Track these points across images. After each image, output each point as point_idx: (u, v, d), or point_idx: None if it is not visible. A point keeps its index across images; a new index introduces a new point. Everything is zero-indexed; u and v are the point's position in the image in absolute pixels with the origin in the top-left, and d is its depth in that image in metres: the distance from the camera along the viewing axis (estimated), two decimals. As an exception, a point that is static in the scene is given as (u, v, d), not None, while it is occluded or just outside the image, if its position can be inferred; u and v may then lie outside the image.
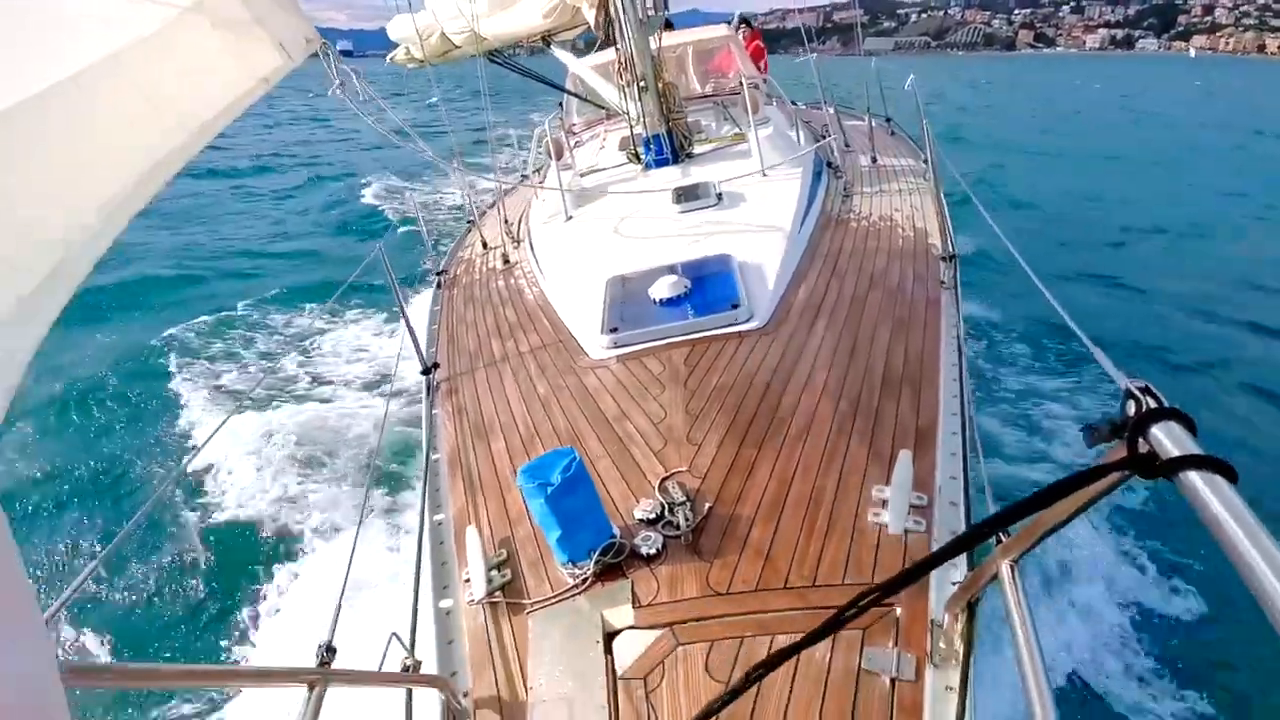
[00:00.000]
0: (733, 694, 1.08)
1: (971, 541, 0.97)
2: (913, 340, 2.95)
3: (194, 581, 4.11)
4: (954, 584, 1.71)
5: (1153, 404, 0.84)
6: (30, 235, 1.29)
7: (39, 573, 4.20)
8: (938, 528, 1.95)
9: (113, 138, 1.50)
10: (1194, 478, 0.76)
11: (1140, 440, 0.82)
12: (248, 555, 4.25)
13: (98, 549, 4.29)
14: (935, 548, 1.86)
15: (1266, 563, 0.67)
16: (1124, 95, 42.99)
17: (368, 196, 14.27)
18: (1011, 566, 1.18)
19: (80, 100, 1.41)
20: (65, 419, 5.83)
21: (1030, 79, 68.97)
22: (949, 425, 2.40)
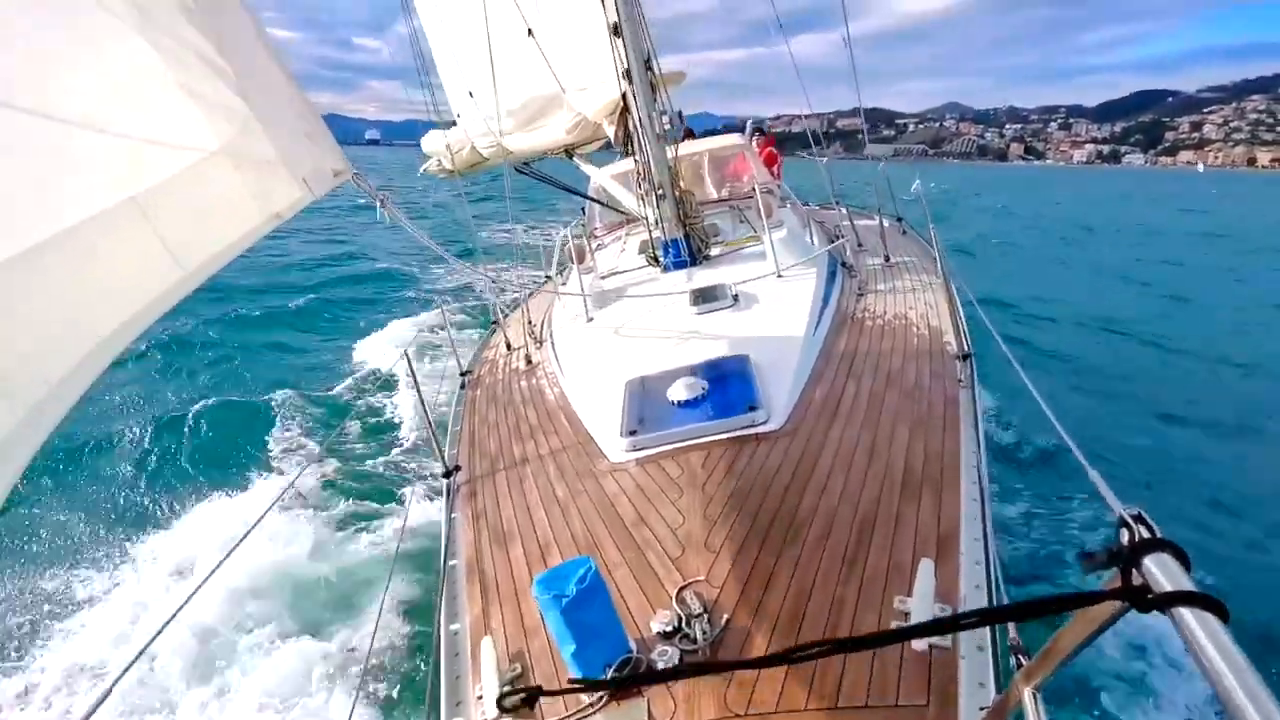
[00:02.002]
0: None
1: (945, 627, 0.96)
2: (932, 441, 2.93)
3: (199, 691, 3.96)
4: (982, 709, 1.64)
5: (1145, 534, 0.85)
6: (27, 367, 1.38)
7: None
8: (964, 642, 1.88)
9: (118, 278, 1.59)
10: (1186, 615, 0.77)
11: (1134, 571, 0.83)
12: (251, 664, 4.10)
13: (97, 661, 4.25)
14: (963, 667, 1.80)
15: (1255, 707, 0.67)
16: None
17: (392, 295, 14.64)
18: (1034, 694, 1.15)
19: (95, 241, 1.51)
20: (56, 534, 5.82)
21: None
22: (971, 531, 2.34)
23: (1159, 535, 0.85)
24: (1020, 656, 1.19)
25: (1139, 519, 0.88)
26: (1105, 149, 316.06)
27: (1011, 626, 1.81)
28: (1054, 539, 5.30)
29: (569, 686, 1.56)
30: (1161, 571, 0.81)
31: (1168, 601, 0.78)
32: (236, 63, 1.93)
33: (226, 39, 1.86)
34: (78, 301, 1.52)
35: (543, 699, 2.04)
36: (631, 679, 1.62)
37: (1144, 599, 0.81)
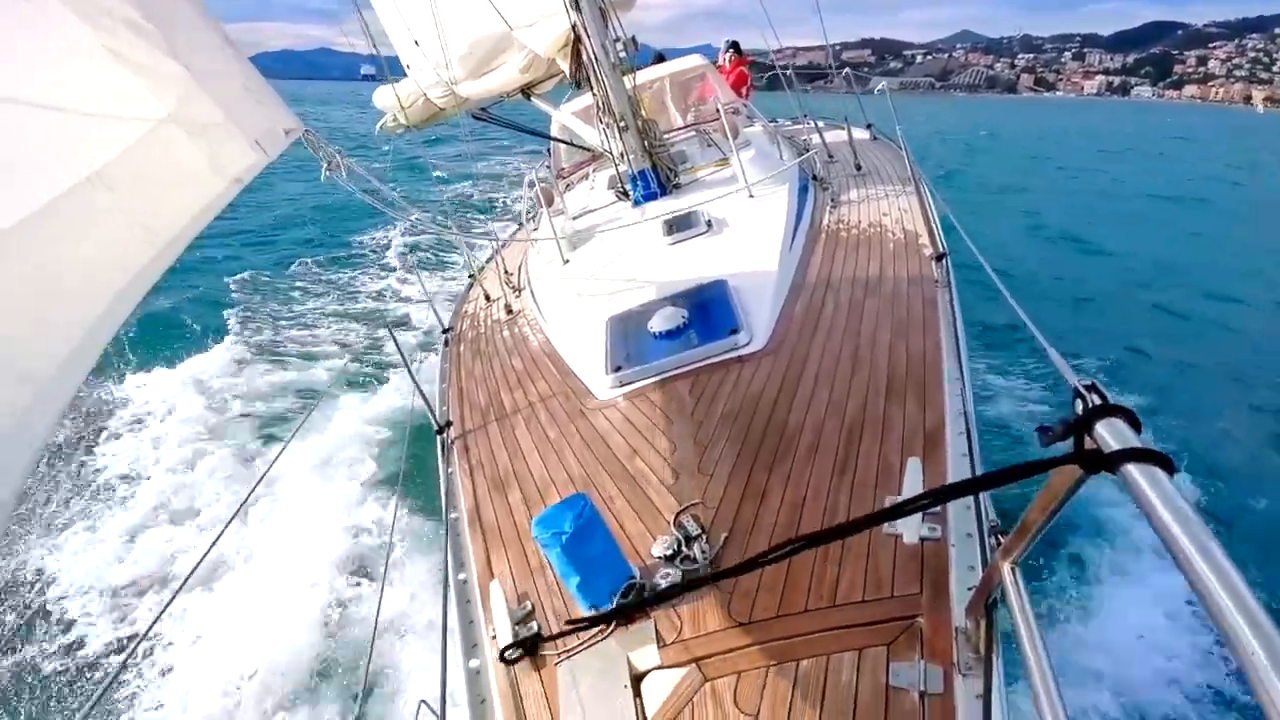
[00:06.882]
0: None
1: (898, 512, 0.99)
2: (913, 343, 2.95)
3: (232, 665, 4.08)
4: (970, 589, 1.69)
5: (1098, 401, 0.87)
6: (32, 348, 1.37)
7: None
8: (954, 532, 1.93)
9: (95, 258, 1.57)
10: (1133, 470, 0.79)
11: (1087, 437, 0.85)
12: (261, 634, 4.20)
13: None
14: (953, 554, 1.86)
15: (1198, 550, 0.69)
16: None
17: (366, 258, 14.23)
18: (1013, 569, 1.19)
19: (62, 223, 1.48)
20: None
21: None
22: (956, 426, 2.39)
23: (1110, 402, 0.87)
24: (999, 537, 1.24)
25: (1092, 389, 0.91)
26: (1115, 80, 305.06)
27: (990, 510, 1.85)
28: (1029, 419, 5.52)
29: (566, 628, 1.59)
30: (1112, 434, 0.83)
31: (1116, 460, 0.80)
32: (163, 23, 1.87)
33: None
34: (65, 282, 1.52)
35: (555, 630, 2.11)
36: (627, 607, 1.65)
37: (1092, 460, 0.83)
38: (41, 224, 1.45)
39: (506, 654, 2.06)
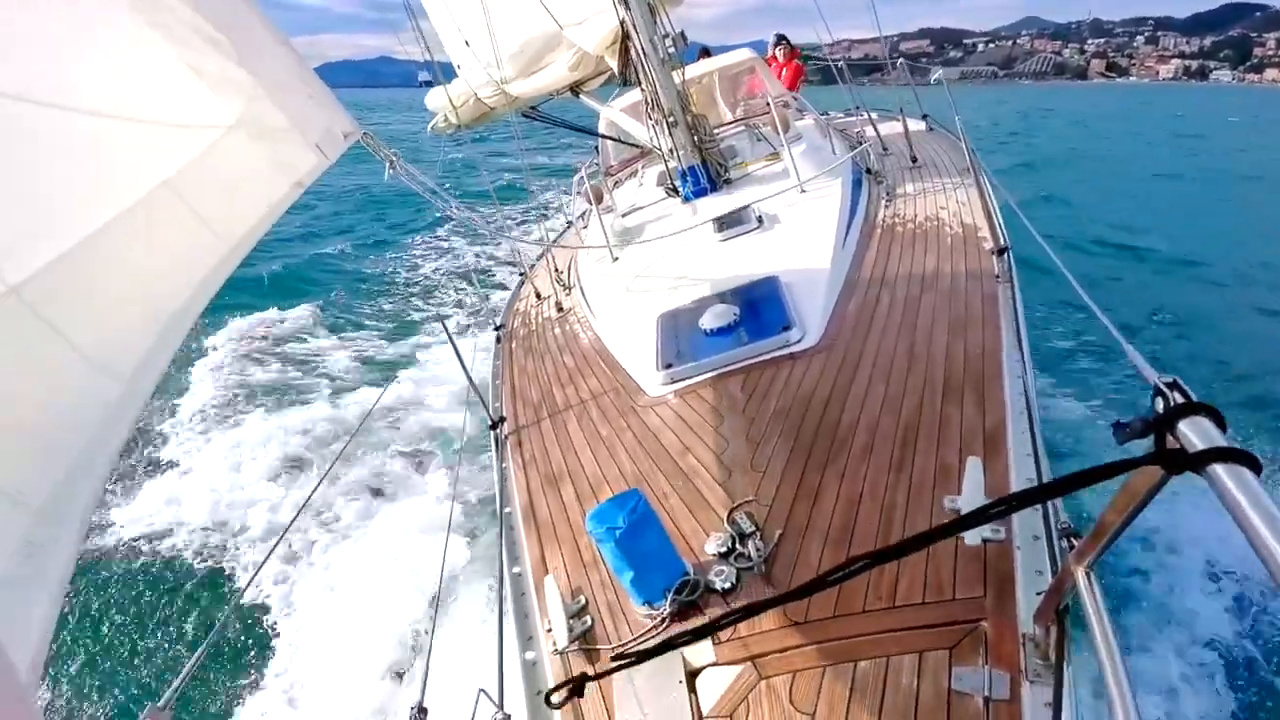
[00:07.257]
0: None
1: (972, 521, 0.95)
2: (972, 340, 2.88)
3: (272, 652, 4.24)
4: (1039, 594, 1.65)
5: (1180, 399, 0.83)
6: (116, 343, 1.44)
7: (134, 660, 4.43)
8: (1018, 534, 1.88)
9: (167, 260, 1.64)
10: (1219, 470, 0.76)
11: (1170, 436, 0.82)
12: (327, 623, 4.32)
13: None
14: (1018, 556, 1.81)
15: None
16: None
17: (419, 258, 14.49)
18: (1087, 573, 1.15)
19: (139, 228, 1.55)
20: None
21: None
22: (1019, 425, 2.32)
23: (1194, 400, 0.83)
24: (1071, 540, 1.20)
25: (1174, 386, 0.87)
26: (1193, 65, 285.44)
27: (1062, 512, 1.80)
28: (1101, 419, 5.35)
29: (612, 665, 1.55)
30: (1196, 433, 0.80)
31: (1201, 460, 0.77)
32: (233, 34, 1.94)
33: (218, 10, 1.87)
34: (143, 281, 1.60)
35: (608, 626, 2.12)
36: (670, 645, 1.63)
37: (1175, 461, 0.80)
38: (121, 229, 1.53)
39: (563, 648, 2.08)
